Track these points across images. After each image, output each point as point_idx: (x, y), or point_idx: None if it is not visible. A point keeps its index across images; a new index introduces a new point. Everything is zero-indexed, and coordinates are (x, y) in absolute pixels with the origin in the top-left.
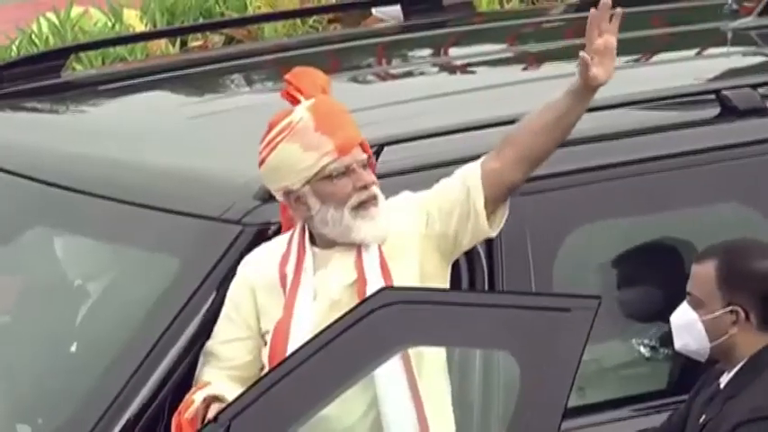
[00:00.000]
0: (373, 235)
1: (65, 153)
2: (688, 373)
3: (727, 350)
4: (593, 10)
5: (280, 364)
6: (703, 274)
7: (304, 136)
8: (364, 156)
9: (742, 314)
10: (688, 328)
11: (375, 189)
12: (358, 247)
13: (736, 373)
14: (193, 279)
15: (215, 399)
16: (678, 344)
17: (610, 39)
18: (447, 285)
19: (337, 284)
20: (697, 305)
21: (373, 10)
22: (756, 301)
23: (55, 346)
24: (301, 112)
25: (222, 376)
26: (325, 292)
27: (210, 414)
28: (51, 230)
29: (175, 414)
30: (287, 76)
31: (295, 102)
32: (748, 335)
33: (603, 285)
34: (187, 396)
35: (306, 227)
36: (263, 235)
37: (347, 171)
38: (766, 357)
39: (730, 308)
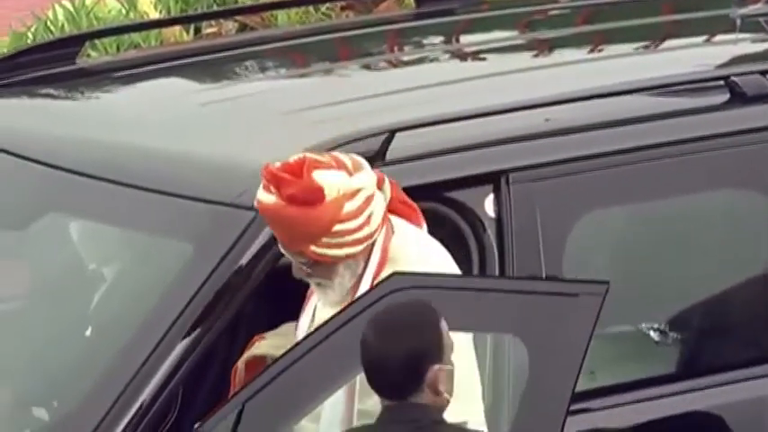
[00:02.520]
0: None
1: (79, 139)
2: (697, 357)
3: None
4: None
5: (292, 349)
6: None
7: None
8: (301, 260)
9: None
10: None
11: (312, 283)
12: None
13: None
14: (206, 265)
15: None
16: None
17: None
18: None
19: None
20: None
21: None
22: None
23: (69, 330)
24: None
25: None
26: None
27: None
28: (65, 216)
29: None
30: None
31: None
32: None
33: (613, 270)
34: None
35: None
36: None
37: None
38: None
39: None
